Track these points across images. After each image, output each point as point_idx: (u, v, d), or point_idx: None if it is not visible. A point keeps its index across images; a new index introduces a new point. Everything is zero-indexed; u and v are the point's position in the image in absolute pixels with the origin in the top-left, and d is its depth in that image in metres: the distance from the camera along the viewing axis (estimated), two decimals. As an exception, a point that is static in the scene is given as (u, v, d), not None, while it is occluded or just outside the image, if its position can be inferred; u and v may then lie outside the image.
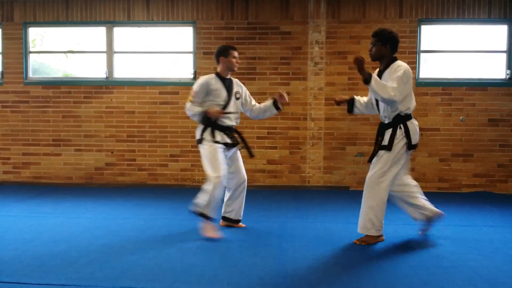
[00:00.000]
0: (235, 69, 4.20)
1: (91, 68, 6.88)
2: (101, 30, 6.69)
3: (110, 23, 6.64)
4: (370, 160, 3.86)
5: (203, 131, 4.10)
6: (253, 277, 3.02)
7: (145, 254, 3.49)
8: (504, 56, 6.36)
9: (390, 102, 3.61)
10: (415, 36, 6.32)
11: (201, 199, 3.96)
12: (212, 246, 3.71)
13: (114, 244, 3.76)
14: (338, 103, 4.06)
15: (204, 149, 4.06)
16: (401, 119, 3.72)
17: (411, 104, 3.75)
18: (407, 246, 3.75)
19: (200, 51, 6.52)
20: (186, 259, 3.38)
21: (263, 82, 6.48)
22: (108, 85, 6.65)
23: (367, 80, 3.62)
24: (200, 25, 6.51)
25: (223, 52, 4.16)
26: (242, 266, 3.23)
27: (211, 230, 3.95)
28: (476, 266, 3.26)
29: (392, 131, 3.71)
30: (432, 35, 6.45)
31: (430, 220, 3.97)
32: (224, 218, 4.37)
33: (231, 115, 4.15)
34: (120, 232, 4.14)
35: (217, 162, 3.98)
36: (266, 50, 6.46)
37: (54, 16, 6.65)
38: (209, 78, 4.14)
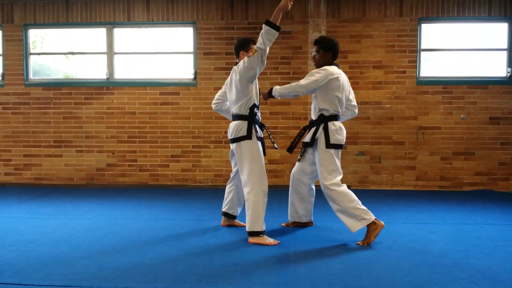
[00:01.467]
0: None
1: (92, 69, 6.88)
2: (101, 31, 6.70)
3: (110, 24, 6.64)
4: (289, 150, 4.15)
5: (250, 127, 3.86)
6: (254, 276, 3.02)
7: (146, 255, 3.49)
8: (504, 54, 6.35)
9: (298, 93, 3.95)
10: (415, 34, 6.32)
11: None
12: (213, 247, 3.72)
13: (115, 244, 3.77)
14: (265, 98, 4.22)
15: (251, 148, 3.84)
16: (323, 119, 3.93)
17: (333, 107, 3.91)
18: (408, 244, 3.75)
19: (200, 52, 6.52)
20: (187, 259, 3.39)
21: (263, 82, 6.47)
22: (108, 86, 6.66)
23: (269, 93, 4.06)
24: (200, 25, 6.52)
25: (244, 46, 4.02)
26: (243, 266, 3.24)
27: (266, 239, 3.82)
28: (477, 264, 3.26)
29: (315, 129, 3.96)
30: (432, 33, 6.45)
31: (298, 225, 4.33)
32: (225, 214, 4.34)
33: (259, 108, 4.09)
34: (121, 233, 4.14)
35: (264, 169, 3.89)
36: (266, 50, 6.45)
37: (54, 18, 6.66)
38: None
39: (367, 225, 3.76)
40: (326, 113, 3.92)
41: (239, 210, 4.35)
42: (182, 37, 6.68)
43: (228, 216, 4.33)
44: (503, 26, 6.35)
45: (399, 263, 3.29)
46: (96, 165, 6.72)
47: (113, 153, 6.69)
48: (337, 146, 3.90)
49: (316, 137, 3.93)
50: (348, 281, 2.94)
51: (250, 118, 3.88)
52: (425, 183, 6.42)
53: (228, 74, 6.44)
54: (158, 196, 5.92)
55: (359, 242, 3.79)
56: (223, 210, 4.34)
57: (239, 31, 6.47)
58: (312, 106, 4.09)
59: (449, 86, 6.36)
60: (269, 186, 6.39)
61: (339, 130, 3.92)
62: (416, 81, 6.36)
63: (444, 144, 6.38)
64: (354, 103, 4.15)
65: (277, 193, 6.13)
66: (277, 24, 3.75)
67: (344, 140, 3.98)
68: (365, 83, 6.34)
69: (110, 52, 6.67)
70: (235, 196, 4.27)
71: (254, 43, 3.95)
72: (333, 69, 3.91)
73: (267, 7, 6.45)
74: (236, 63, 4.02)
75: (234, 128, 3.91)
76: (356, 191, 6.20)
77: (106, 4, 6.59)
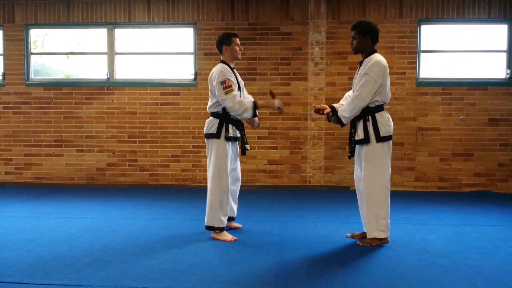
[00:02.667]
0: (239, 57, 4.05)
1: (93, 69, 6.90)
2: (102, 32, 6.71)
3: (111, 24, 6.66)
4: (351, 156, 3.89)
5: (220, 126, 3.90)
6: (254, 276, 3.03)
7: (146, 254, 3.50)
8: (504, 56, 6.36)
9: (366, 104, 3.67)
10: (415, 36, 6.33)
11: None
12: (213, 246, 3.73)
13: (115, 244, 3.78)
14: (318, 110, 3.92)
15: (216, 147, 3.90)
16: (368, 111, 3.71)
17: (381, 97, 3.71)
18: (407, 245, 3.76)
19: (200, 52, 6.53)
20: (188, 259, 3.40)
21: (263, 83, 6.50)
22: (109, 86, 6.68)
23: (339, 120, 3.79)
24: (201, 26, 6.53)
25: (225, 40, 3.96)
26: (243, 265, 3.25)
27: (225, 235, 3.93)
28: (476, 265, 3.27)
29: (363, 123, 3.72)
30: (432, 35, 6.46)
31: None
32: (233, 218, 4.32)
33: None
34: (122, 232, 4.15)
35: (227, 168, 3.91)
36: (267, 51, 6.48)
37: (55, 18, 6.67)
38: (223, 66, 3.93)
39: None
40: (372, 105, 3.70)
41: (235, 210, 4.30)
42: (183, 37, 6.70)
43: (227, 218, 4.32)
44: (503, 28, 6.37)
45: (398, 264, 3.30)
46: (97, 164, 6.73)
47: (113, 153, 6.71)
48: (388, 138, 3.70)
49: (368, 131, 3.69)
50: (347, 282, 2.95)
51: (222, 116, 3.92)
52: (424, 184, 6.43)
53: (228, 74, 6.48)
54: (158, 196, 5.94)
55: (359, 242, 3.81)
56: None
57: (240, 31, 6.48)
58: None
59: (448, 88, 6.37)
60: (269, 186, 6.48)
61: (388, 121, 3.72)
62: (415, 82, 6.37)
63: (443, 145, 6.39)
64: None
65: (277, 193, 6.15)
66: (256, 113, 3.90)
67: (392, 131, 3.75)
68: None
69: (111, 52, 6.68)
70: (230, 198, 4.25)
71: (237, 36, 4.01)
72: (378, 56, 3.70)
73: (268, 8, 6.47)
74: (222, 61, 4.02)
75: (207, 124, 3.99)
76: (355, 192, 6.23)
77: (107, 4, 6.60)
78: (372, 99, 3.69)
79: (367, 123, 3.70)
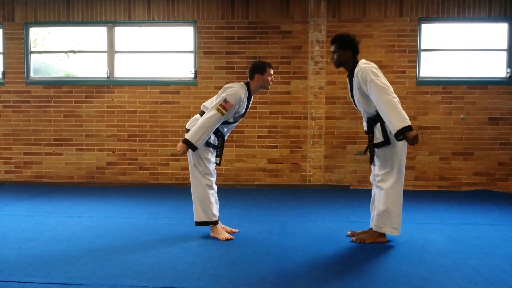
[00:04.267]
0: (269, 88, 4.02)
1: (92, 68, 6.89)
2: (102, 30, 6.71)
3: (111, 22, 6.65)
4: (371, 162, 3.85)
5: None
6: (254, 275, 3.03)
7: (146, 253, 3.50)
8: (504, 55, 6.36)
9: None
10: (415, 34, 6.33)
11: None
12: (212, 245, 3.73)
13: (115, 243, 3.78)
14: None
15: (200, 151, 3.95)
16: (377, 117, 3.71)
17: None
18: (407, 244, 3.76)
19: (200, 51, 6.53)
20: (187, 257, 3.40)
21: (263, 81, 6.48)
22: (109, 84, 6.67)
23: (407, 129, 3.49)
24: (201, 24, 6.52)
25: (261, 69, 3.87)
26: (242, 264, 3.25)
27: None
28: (476, 264, 3.27)
29: (380, 125, 3.69)
30: (432, 33, 6.46)
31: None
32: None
33: (231, 129, 4.18)
34: (122, 231, 4.15)
35: (210, 165, 4.00)
36: (267, 49, 6.47)
37: (55, 16, 6.66)
38: (243, 90, 3.85)
39: (378, 231, 3.78)
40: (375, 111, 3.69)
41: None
42: (183, 36, 6.69)
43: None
44: (503, 27, 6.36)
45: (398, 263, 3.30)
46: (97, 163, 6.73)
47: (113, 152, 6.71)
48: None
49: (388, 133, 3.63)
50: (347, 281, 2.95)
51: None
52: (424, 183, 6.43)
53: (228, 73, 6.50)
54: (158, 195, 5.94)
55: (354, 239, 3.85)
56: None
57: (240, 30, 6.48)
58: (362, 106, 3.77)
59: (448, 86, 6.37)
60: (268, 185, 6.47)
61: None
62: (415, 81, 6.37)
63: (443, 144, 6.39)
64: None
65: (277, 192, 6.15)
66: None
67: None
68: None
69: (111, 51, 6.68)
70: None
71: (271, 67, 3.93)
72: (364, 64, 3.67)
73: (268, 6, 6.46)
74: (247, 83, 3.94)
75: (192, 120, 4.04)
76: (355, 191, 6.27)
77: (107, 2, 6.59)
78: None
79: (384, 125, 3.66)
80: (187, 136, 3.86)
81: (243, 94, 3.84)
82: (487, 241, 3.89)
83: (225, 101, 3.78)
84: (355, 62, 3.77)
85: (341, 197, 5.82)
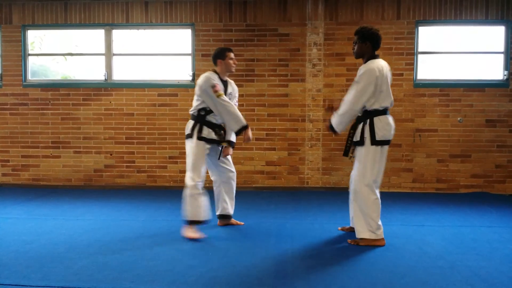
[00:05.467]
0: (233, 70, 4.24)
1: (90, 71, 6.89)
2: (100, 33, 6.71)
3: (108, 25, 6.65)
4: (344, 155, 3.98)
5: (194, 126, 4.11)
6: (252, 277, 3.03)
7: (144, 256, 3.50)
8: (501, 57, 6.38)
9: (354, 111, 3.78)
10: (412, 37, 6.35)
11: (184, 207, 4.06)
12: (211, 247, 3.72)
13: (113, 245, 3.77)
14: (330, 109, 4.10)
15: (190, 146, 4.09)
16: (367, 115, 3.77)
17: (379, 102, 3.74)
18: (405, 246, 3.76)
19: (198, 53, 6.53)
20: (185, 260, 3.39)
21: (261, 84, 6.50)
22: (107, 87, 6.67)
23: (331, 128, 3.94)
24: (199, 27, 6.53)
25: (220, 55, 4.19)
26: (241, 267, 3.25)
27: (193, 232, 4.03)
28: (474, 266, 3.27)
29: (362, 126, 3.79)
30: (429, 36, 6.48)
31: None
32: (226, 216, 4.43)
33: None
34: (119, 234, 4.15)
35: (198, 165, 4.04)
36: (265, 52, 6.49)
37: (52, 19, 6.66)
38: (212, 74, 4.13)
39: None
40: (370, 109, 3.75)
41: (231, 208, 4.41)
42: (181, 38, 6.70)
43: (223, 217, 4.43)
44: (500, 29, 6.39)
45: (395, 265, 3.30)
46: (94, 166, 6.72)
47: (111, 154, 6.70)
48: (383, 143, 3.75)
49: (364, 134, 3.77)
50: (345, 283, 2.95)
51: (196, 118, 4.12)
52: (421, 185, 6.44)
53: (226, 76, 6.48)
54: (155, 197, 5.93)
55: (350, 241, 3.87)
56: (217, 213, 4.45)
57: (237, 33, 6.49)
58: None
59: (446, 89, 6.39)
60: (266, 188, 6.47)
61: (386, 126, 3.75)
62: (413, 83, 6.39)
63: (440, 147, 6.41)
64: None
65: (275, 194, 6.15)
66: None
67: (390, 136, 3.79)
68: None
69: (109, 54, 6.68)
70: (224, 196, 4.37)
71: (231, 51, 4.23)
72: (373, 64, 3.73)
73: (265, 9, 6.47)
74: (214, 70, 4.22)
75: (186, 126, 4.22)
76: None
77: (105, 5, 6.60)
78: (368, 104, 3.74)
79: (365, 126, 3.76)
80: (236, 127, 4.10)
81: (212, 75, 4.10)
82: (485, 243, 3.90)
83: (212, 86, 4.01)
84: (372, 56, 3.81)
85: (339, 200, 5.82)
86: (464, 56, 6.54)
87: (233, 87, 4.35)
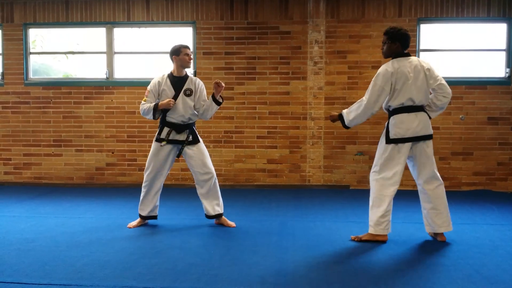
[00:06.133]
0: (189, 65, 4.34)
1: (92, 69, 6.89)
2: (101, 31, 6.70)
3: (110, 23, 6.65)
4: None
5: (159, 128, 4.32)
6: (254, 276, 3.03)
7: (146, 254, 3.50)
8: (503, 55, 6.36)
9: (369, 109, 3.82)
10: (414, 35, 6.33)
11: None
12: (212, 245, 3.73)
13: (114, 243, 3.78)
14: (332, 120, 4.11)
15: (152, 146, 4.34)
16: (389, 113, 3.88)
17: (398, 100, 3.77)
18: (407, 244, 3.76)
19: (200, 51, 6.53)
20: (187, 258, 3.40)
21: (263, 82, 6.49)
22: (108, 85, 6.67)
23: (340, 118, 3.98)
24: (200, 25, 6.53)
25: (175, 51, 4.29)
26: (242, 265, 3.25)
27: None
28: (476, 264, 3.27)
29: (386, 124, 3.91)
30: (431, 34, 6.46)
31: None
32: (209, 216, 4.39)
33: (177, 112, 4.26)
34: (121, 232, 4.15)
35: (151, 163, 4.29)
36: (266, 50, 6.47)
37: (54, 17, 6.66)
38: (159, 77, 4.33)
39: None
40: (390, 108, 3.86)
41: (216, 208, 4.36)
42: (182, 37, 6.69)
43: (214, 217, 4.37)
44: (502, 27, 6.37)
45: (397, 263, 3.30)
46: (96, 164, 6.73)
47: (112, 153, 6.70)
48: (397, 141, 3.77)
49: (384, 132, 3.90)
50: (346, 281, 2.95)
51: (160, 120, 4.35)
52: (423, 183, 6.42)
53: (227, 73, 6.49)
54: (157, 196, 5.92)
55: (353, 237, 3.89)
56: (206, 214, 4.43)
57: (239, 31, 6.48)
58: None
59: (448, 87, 6.36)
60: (268, 186, 6.47)
61: (399, 124, 3.76)
62: (415, 81, 6.36)
63: (442, 144, 6.39)
64: (441, 82, 3.94)
65: (276, 192, 6.15)
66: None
67: (407, 134, 3.75)
68: (364, 83, 6.35)
69: (110, 52, 6.67)
70: (207, 197, 4.35)
71: (186, 47, 4.32)
72: (388, 64, 3.80)
73: (267, 7, 6.46)
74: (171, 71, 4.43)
75: None
76: (355, 191, 6.26)
77: (106, 3, 6.59)
78: (386, 103, 3.85)
79: (387, 124, 3.87)
80: (148, 116, 4.34)
81: (156, 79, 4.32)
82: (487, 240, 3.89)
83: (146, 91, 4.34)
84: (399, 54, 3.85)
85: (340, 198, 5.82)
86: (466, 53, 6.51)
87: (196, 83, 4.36)
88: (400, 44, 3.84)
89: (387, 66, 3.79)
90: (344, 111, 3.95)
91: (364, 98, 3.83)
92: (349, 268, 3.20)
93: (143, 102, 4.27)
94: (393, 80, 3.74)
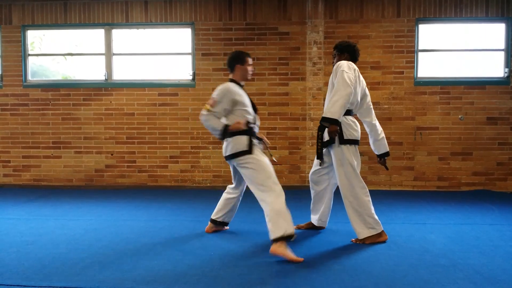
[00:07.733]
0: (249, 78, 3.93)
1: (90, 70, 6.89)
2: (100, 32, 6.70)
3: (108, 25, 6.64)
4: (318, 158, 3.90)
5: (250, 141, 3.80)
6: (254, 277, 3.03)
7: (145, 256, 3.49)
8: (502, 54, 6.37)
9: (348, 95, 3.75)
10: (412, 35, 6.34)
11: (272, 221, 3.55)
12: (212, 247, 3.72)
13: (114, 246, 3.77)
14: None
15: (252, 161, 3.90)
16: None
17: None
18: (407, 245, 3.76)
19: (198, 52, 6.53)
20: (187, 260, 3.39)
21: (262, 83, 6.49)
22: (107, 87, 6.66)
23: (330, 122, 3.71)
24: (199, 26, 6.52)
25: (240, 59, 3.82)
26: (242, 266, 3.24)
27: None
28: (476, 264, 3.27)
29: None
30: (430, 34, 6.47)
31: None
32: (215, 222, 4.21)
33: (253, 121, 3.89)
34: (120, 234, 4.14)
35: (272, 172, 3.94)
36: (265, 51, 6.48)
37: (52, 19, 6.66)
38: (230, 84, 3.75)
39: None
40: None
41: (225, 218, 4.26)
42: (181, 38, 6.69)
43: (222, 224, 4.25)
44: (501, 27, 6.37)
45: (397, 264, 3.30)
46: (95, 166, 6.72)
47: (111, 154, 6.69)
48: (352, 142, 3.84)
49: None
50: (346, 282, 2.95)
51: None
52: (423, 184, 6.44)
53: (226, 74, 6.46)
54: (157, 197, 5.92)
55: (353, 240, 3.88)
56: (217, 219, 4.20)
57: (237, 32, 6.48)
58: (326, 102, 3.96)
59: (446, 87, 6.38)
60: (268, 187, 6.45)
61: (353, 125, 3.87)
62: (413, 81, 6.37)
63: (442, 145, 6.40)
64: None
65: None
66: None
67: (359, 136, 3.91)
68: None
69: (109, 53, 6.67)
70: (234, 207, 4.29)
71: (249, 56, 3.89)
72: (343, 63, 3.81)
73: (265, 8, 6.46)
74: (231, 79, 3.86)
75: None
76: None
77: (105, 5, 6.59)
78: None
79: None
80: (215, 133, 3.83)
81: (228, 87, 3.72)
82: (487, 241, 3.89)
83: (213, 97, 3.71)
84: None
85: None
86: (464, 53, 6.52)
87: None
88: (349, 55, 3.97)
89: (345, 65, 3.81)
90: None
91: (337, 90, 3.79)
92: (349, 269, 3.20)
93: (206, 111, 3.68)
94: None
